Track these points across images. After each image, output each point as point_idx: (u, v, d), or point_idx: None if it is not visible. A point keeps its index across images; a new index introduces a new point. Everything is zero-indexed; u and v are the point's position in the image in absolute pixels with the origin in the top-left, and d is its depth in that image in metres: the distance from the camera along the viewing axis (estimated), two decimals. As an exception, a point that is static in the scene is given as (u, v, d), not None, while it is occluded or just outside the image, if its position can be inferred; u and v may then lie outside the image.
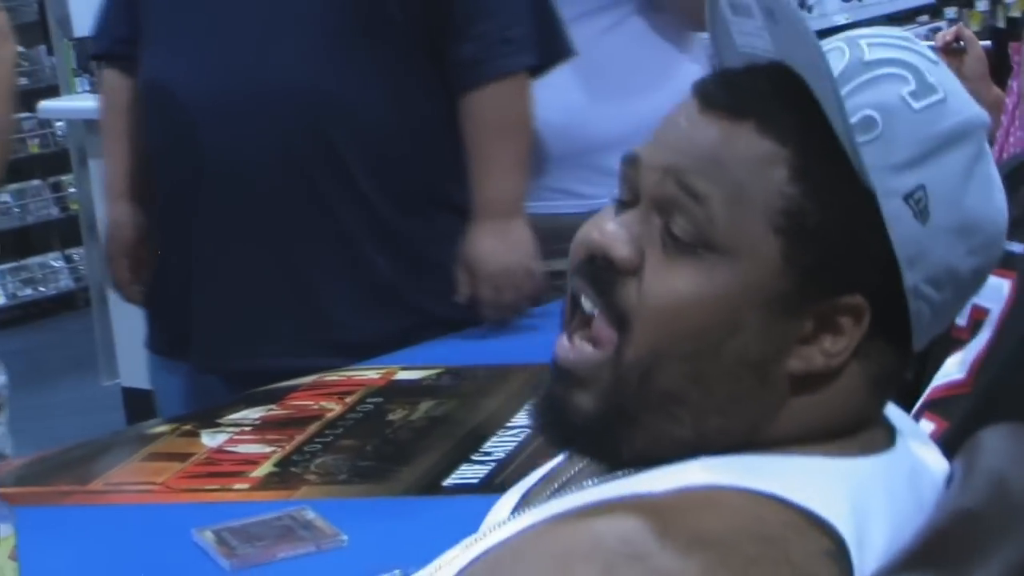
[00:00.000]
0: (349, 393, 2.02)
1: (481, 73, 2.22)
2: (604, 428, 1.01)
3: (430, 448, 1.86)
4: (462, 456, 1.80)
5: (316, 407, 1.99)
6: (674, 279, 0.98)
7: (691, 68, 2.58)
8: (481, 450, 1.80)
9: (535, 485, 1.16)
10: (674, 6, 2.60)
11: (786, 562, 0.91)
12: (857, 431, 1.01)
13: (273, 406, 2.00)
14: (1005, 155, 2.77)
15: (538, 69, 2.28)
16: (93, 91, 4.19)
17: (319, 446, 1.86)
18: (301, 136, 2.19)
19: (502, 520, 1.11)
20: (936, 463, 1.08)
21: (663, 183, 1.00)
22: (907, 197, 0.95)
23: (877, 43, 1.02)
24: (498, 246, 2.22)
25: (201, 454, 1.87)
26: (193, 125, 2.22)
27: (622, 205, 1.05)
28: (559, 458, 1.14)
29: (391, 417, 1.94)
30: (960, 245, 0.98)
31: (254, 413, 1.98)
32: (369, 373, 2.10)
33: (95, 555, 1.62)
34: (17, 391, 4.10)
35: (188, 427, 1.97)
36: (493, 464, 1.76)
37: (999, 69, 3.89)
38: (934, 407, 1.60)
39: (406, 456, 1.84)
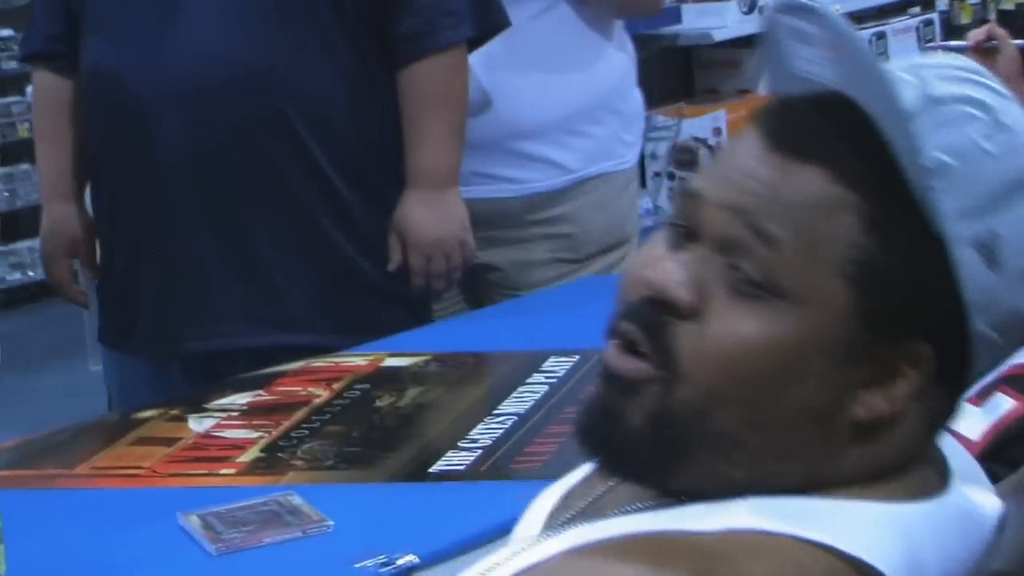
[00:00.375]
0: (337, 379, 2.02)
1: (422, 46, 2.24)
2: (653, 455, 0.98)
3: (417, 435, 1.87)
4: (449, 443, 1.80)
5: (303, 393, 1.99)
6: (739, 324, 0.96)
7: (615, 55, 2.66)
8: (467, 437, 1.80)
9: (566, 496, 1.14)
10: None
11: None
12: (909, 471, 0.99)
13: (260, 391, 2.00)
14: None
15: (476, 41, 2.31)
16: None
17: (306, 432, 1.86)
18: (255, 117, 2.21)
19: (533, 537, 1.08)
20: (989, 505, 1.04)
21: (730, 224, 0.97)
22: (979, 244, 0.93)
23: (945, 76, 0.99)
24: (430, 215, 2.25)
25: (188, 439, 1.87)
26: (144, 111, 2.22)
27: (678, 240, 1.01)
28: (586, 469, 1.11)
29: (378, 404, 1.95)
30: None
31: (241, 398, 1.98)
32: (357, 360, 2.11)
33: (81, 539, 1.62)
34: (4, 375, 4.11)
35: (175, 412, 1.97)
36: (479, 451, 1.76)
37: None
38: (1012, 382, 1.58)
39: (393, 442, 1.85)
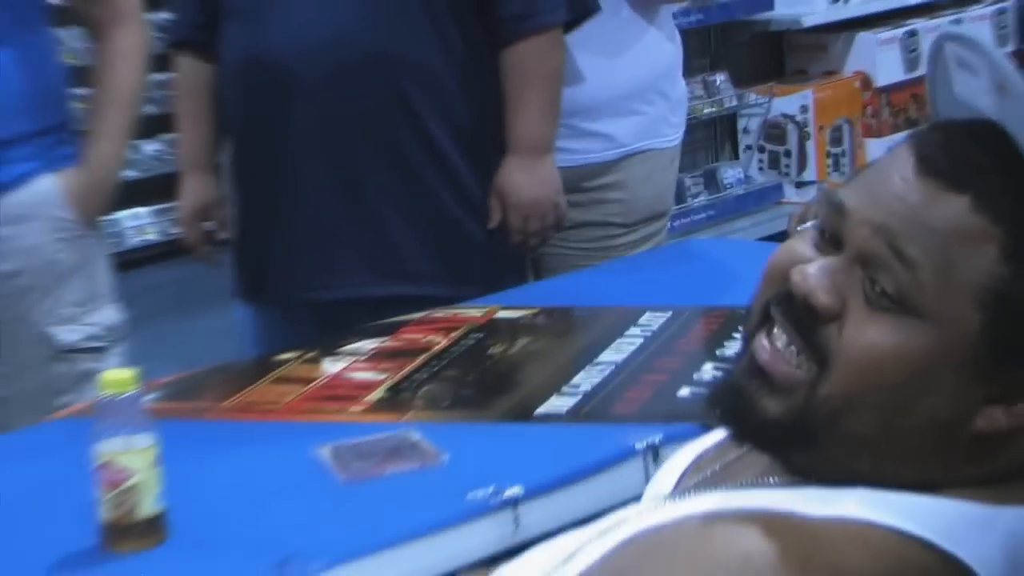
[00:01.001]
0: (454, 329, 2.05)
1: (525, 27, 2.25)
2: (785, 437, 0.99)
3: (524, 380, 1.89)
4: (553, 388, 1.81)
5: (424, 340, 2.02)
6: (874, 333, 0.96)
7: (665, 44, 2.66)
8: (570, 383, 1.81)
9: (698, 459, 1.15)
10: None
11: None
12: (1018, 477, 0.98)
13: (386, 339, 2.04)
14: None
15: (570, 24, 2.31)
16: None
17: (425, 375, 1.89)
18: (378, 92, 2.22)
19: (663, 497, 1.10)
20: None
21: (873, 240, 0.96)
22: None
23: None
24: (527, 179, 2.27)
25: (321, 379, 1.91)
26: (280, 88, 2.24)
27: (823, 244, 1.01)
28: (719, 435, 1.13)
29: (491, 351, 1.98)
30: None
31: (369, 344, 2.01)
32: (472, 311, 2.14)
33: (225, 466, 1.65)
34: (167, 318, 4.16)
35: (311, 355, 2.01)
36: (580, 396, 1.77)
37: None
38: None
39: (503, 386, 1.87)
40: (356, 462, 1.63)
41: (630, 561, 0.96)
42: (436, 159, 2.27)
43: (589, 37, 2.45)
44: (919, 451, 0.95)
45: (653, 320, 2.05)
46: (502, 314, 2.13)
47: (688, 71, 3.87)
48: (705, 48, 4.32)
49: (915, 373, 0.94)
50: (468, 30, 2.28)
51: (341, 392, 1.87)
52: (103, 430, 1.42)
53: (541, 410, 1.75)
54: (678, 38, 2.77)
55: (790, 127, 4.08)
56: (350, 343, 2.04)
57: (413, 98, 2.24)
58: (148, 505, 1.43)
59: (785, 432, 0.98)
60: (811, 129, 4.11)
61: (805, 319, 0.96)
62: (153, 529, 1.45)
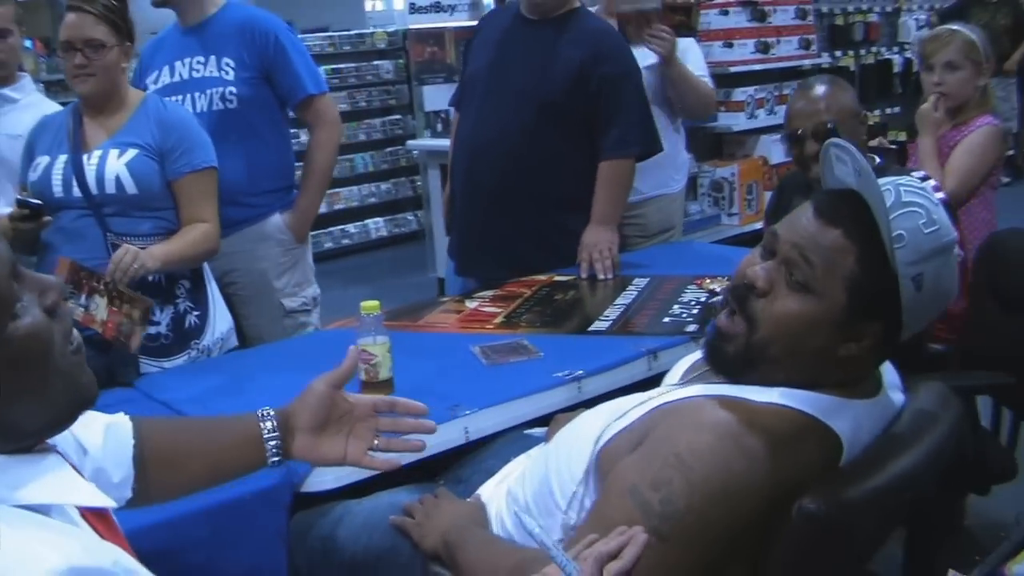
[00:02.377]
0: (532, 286, 2.23)
1: (616, 151, 2.35)
2: (735, 363, 1.05)
3: (578, 312, 2.04)
4: (596, 316, 1.98)
5: (518, 292, 2.19)
6: (790, 303, 1.01)
7: (674, 135, 2.72)
8: (602, 315, 1.98)
9: (694, 363, 1.20)
10: (683, 110, 2.74)
11: (804, 447, 0.97)
12: (862, 381, 1.05)
13: (498, 291, 2.22)
14: None
15: (641, 156, 2.41)
16: (432, 136, 4.46)
17: (524, 309, 2.06)
18: (526, 169, 2.34)
19: (675, 384, 1.18)
20: (898, 400, 1.10)
21: (792, 251, 1.01)
22: (914, 278, 0.97)
23: (910, 189, 1.01)
24: (599, 236, 2.35)
25: (466, 311, 2.09)
26: (472, 154, 2.42)
27: (764, 254, 1.05)
28: (698, 356, 1.19)
29: (556, 297, 2.15)
30: (932, 304, 1.01)
31: (488, 293, 2.21)
32: (540, 277, 2.31)
33: (424, 354, 1.79)
34: (385, 278, 4.51)
35: (459, 298, 2.20)
36: (610, 321, 1.94)
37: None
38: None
39: (568, 315, 2.02)
40: (493, 355, 1.76)
41: (658, 421, 1.02)
42: (550, 214, 2.37)
43: None
44: (810, 367, 1.01)
45: (640, 283, 2.20)
46: (557, 279, 2.30)
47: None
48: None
49: (809, 324, 1.00)
50: (581, 145, 2.36)
51: (480, 317, 2.02)
52: (362, 332, 1.60)
53: (591, 328, 1.90)
54: (683, 129, 2.89)
55: (726, 184, 4.24)
56: (479, 292, 2.22)
57: (543, 177, 2.35)
58: (384, 373, 1.60)
59: (736, 360, 1.05)
60: (736, 185, 4.24)
61: (748, 296, 1.02)
62: (387, 386, 1.59)
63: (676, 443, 0.96)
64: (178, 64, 2.34)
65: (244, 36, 2.30)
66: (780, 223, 1.04)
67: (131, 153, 2.00)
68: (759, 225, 4.29)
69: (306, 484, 1.38)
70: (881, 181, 0.98)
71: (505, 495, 1.24)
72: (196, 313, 2.10)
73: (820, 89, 1.97)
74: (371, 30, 6.09)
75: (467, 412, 1.51)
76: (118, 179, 1.98)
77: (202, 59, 2.32)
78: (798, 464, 0.96)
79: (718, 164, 4.51)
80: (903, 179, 1.02)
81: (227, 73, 2.30)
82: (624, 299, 2.09)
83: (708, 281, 2.14)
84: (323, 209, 3.89)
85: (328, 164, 2.43)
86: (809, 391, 1.01)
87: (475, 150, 2.40)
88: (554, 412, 1.47)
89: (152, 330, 2.00)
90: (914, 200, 0.98)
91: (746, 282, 1.02)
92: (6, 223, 1.97)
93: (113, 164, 1.99)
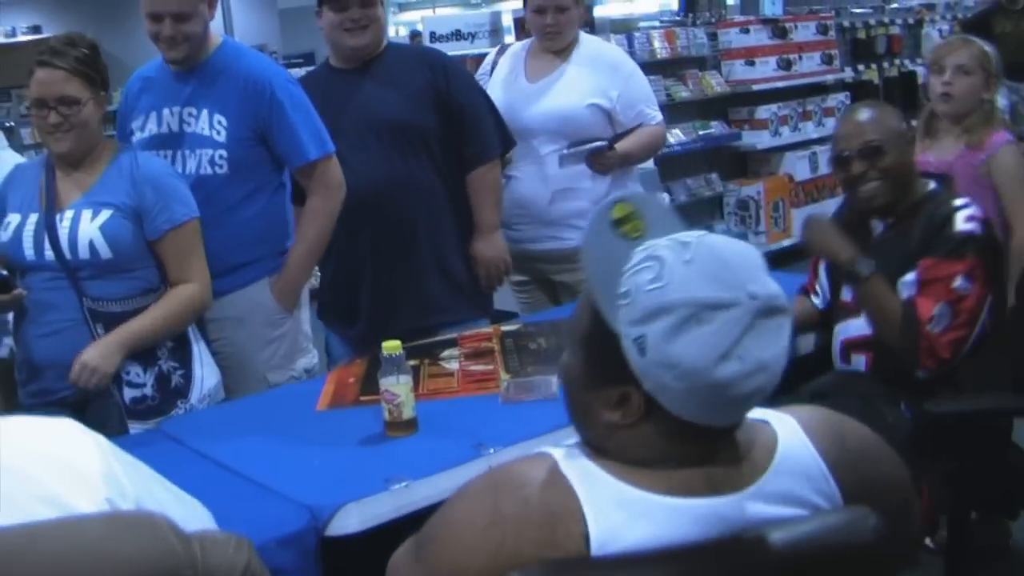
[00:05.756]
0: (488, 339, 2.17)
1: (479, 160, 2.42)
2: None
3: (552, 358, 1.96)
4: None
5: (483, 346, 2.13)
6: (567, 356, 1.00)
7: (632, 184, 2.72)
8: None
9: None
10: (633, 163, 2.73)
11: (550, 519, 0.90)
12: (663, 468, 0.92)
13: (459, 347, 2.13)
14: None
15: (502, 153, 2.48)
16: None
17: (516, 361, 2.01)
18: (403, 205, 2.36)
19: None
20: (755, 511, 0.95)
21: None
22: (635, 340, 0.89)
23: (663, 240, 0.94)
24: (488, 247, 2.44)
25: (458, 372, 1.98)
26: (349, 203, 2.29)
27: None
28: None
29: (530, 345, 2.11)
30: (666, 373, 0.89)
31: (455, 351, 2.11)
32: (486, 329, 2.28)
33: (447, 403, 1.80)
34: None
35: (429, 359, 2.05)
36: None
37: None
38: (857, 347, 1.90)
39: (546, 361, 1.98)
40: (512, 394, 1.81)
41: None
42: (437, 239, 2.40)
43: (583, 181, 2.58)
44: (589, 429, 0.98)
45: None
46: (504, 327, 2.25)
47: (694, 172, 4.29)
48: (704, 160, 4.52)
49: (567, 381, 1.00)
50: (449, 163, 2.42)
51: (479, 377, 1.94)
52: (385, 372, 1.62)
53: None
54: (638, 178, 2.80)
55: (751, 202, 4.28)
56: (442, 350, 2.11)
57: (421, 205, 2.38)
58: (407, 412, 1.63)
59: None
60: (762, 203, 4.25)
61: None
62: (410, 425, 1.63)
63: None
64: (166, 112, 2.20)
65: (238, 89, 2.16)
66: None
67: (104, 215, 1.95)
68: (787, 243, 4.31)
69: (330, 528, 1.41)
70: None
71: None
72: (180, 372, 2.05)
73: (865, 113, 2.00)
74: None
75: (491, 450, 1.54)
76: (91, 244, 1.94)
77: (193, 111, 2.18)
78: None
79: (743, 183, 4.51)
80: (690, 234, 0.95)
81: (218, 133, 2.15)
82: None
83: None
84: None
85: (322, 234, 2.25)
86: (592, 459, 0.95)
87: (359, 205, 2.34)
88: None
89: (137, 392, 1.99)
90: (653, 253, 0.91)
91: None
92: None
93: (86, 228, 1.95)
